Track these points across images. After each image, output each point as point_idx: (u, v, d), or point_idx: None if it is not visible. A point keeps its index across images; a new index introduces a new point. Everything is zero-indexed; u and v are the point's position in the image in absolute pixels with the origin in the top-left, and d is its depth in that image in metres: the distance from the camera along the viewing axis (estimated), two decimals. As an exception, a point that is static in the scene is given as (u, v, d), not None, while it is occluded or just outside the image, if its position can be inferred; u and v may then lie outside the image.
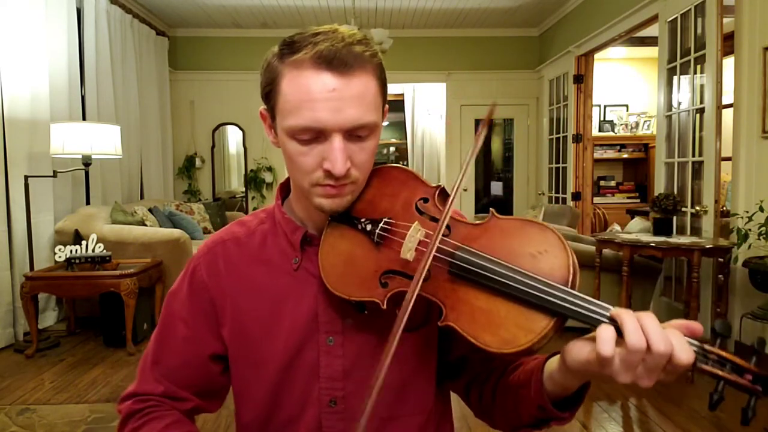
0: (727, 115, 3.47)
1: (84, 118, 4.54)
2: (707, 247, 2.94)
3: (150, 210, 4.72)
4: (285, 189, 0.89)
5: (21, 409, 2.66)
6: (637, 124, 7.13)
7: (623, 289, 3.19)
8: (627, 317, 0.58)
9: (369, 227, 0.77)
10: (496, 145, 7.64)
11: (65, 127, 3.61)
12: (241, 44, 6.49)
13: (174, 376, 0.86)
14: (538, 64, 6.53)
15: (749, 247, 2.97)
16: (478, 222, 0.74)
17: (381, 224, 0.77)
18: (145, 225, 4.34)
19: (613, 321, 0.59)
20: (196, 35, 6.53)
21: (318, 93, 0.70)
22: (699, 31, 3.57)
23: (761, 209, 2.86)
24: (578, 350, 0.63)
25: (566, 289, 0.63)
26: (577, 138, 5.52)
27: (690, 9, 3.61)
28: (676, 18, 3.78)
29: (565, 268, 0.65)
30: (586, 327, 0.61)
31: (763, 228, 2.85)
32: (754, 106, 3.19)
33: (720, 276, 3.19)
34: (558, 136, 5.95)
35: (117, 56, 5.06)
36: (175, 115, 6.49)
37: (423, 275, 0.67)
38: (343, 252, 0.78)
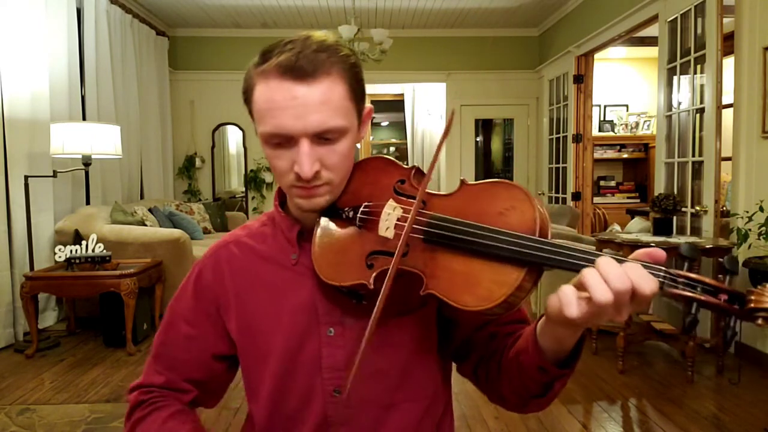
0: (727, 115, 3.47)
1: (84, 118, 4.54)
2: (707, 247, 2.93)
3: (150, 210, 4.72)
4: (282, 192, 0.94)
5: (21, 409, 2.66)
6: (637, 124, 7.13)
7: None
8: (588, 275, 0.58)
9: (351, 214, 0.81)
10: (496, 145, 7.65)
11: (65, 127, 3.61)
12: (241, 44, 6.49)
13: (175, 369, 0.90)
14: (538, 64, 6.53)
15: (749, 247, 2.97)
16: (450, 193, 0.77)
17: (361, 208, 0.81)
18: (145, 225, 4.34)
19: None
20: (196, 35, 6.53)
21: (281, 101, 0.74)
22: (699, 31, 3.57)
23: (761, 209, 2.86)
24: (552, 305, 0.64)
25: (533, 237, 0.65)
26: (577, 138, 5.52)
27: (690, 9, 3.61)
28: (676, 18, 3.78)
29: (531, 221, 0.67)
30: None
31: (763, 228, 2.85)
32: (754, 106, 3.20)
33: (720, 276, 3.18)
34: (558, 136, 5.95)
35: (117, 56, 5.06)
36: (175, 115, 6.49)
37: (402, 249, 0.70)
38: (333, 242, 0.82)
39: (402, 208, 0.78)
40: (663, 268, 0.59)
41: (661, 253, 0.60)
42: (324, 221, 0.84)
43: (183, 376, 0.90)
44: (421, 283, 0.71)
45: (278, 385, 0.85)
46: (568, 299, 0.60)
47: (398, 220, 0.77)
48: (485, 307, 0.65)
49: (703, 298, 0.57)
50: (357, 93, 0.80)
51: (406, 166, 0.83)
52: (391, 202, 0.79)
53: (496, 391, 0.86)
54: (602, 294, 0.57)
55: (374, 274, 0.75)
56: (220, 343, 0.90)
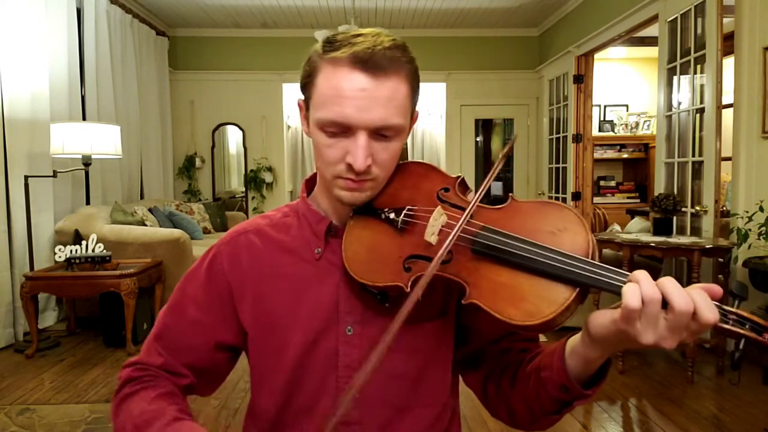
0: (727, 115, 3.47)
1: (84, 118, 4.54)
2: (707, 247, 2.93)
3: (150, 210, 4.72)
4: (310, 184, 0.93)
5: (21, 409, 2.66)
6: (637, 124, 7.13)
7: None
8: (642, 275, 0.61)
9: (392, 215, 0.81)
10: (496, 144, 7.64)
11: (65, 127, 3.61)
12: (241, 44, 6.49)
13: (176, 353, 0.88)
14: (538, 64, 6.53)
15: (749, 247, 2.97)
16: (498, 207, 0.77)
17: (404, 211, 0.81)
18: (145, 225, 4.34)
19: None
20: (196, 35, 6.53)
21: (349, 91, 0.74)
22: (699, 31, 3.57)
23: (761, 209, 2.86)
24: (601, 315, 0.65)
25: (586, 259, 0.65)
26: (577, 138, 5.51)
27: (690, 9, 3.61)
28: (676, 18, 3.78)
29: (585, 243, 0.68)
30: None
31: (763, 228, 2.85)
32: (754, 106, 3.20)
33: (720, 276, 3.19)
34: (558, 136, 5.95)
35: (117, 56, 5.06)
36: (175, 115, 6.49)
37: (443, 255, 0.70)
38: (367, 241, 0.81)
39: (448, 215, 0.77)
40: (718, 304, 0.60)
41: (719, 290, 0.61)
42: (359, 218, 0.83)
43: (182, 361, 0.87)
44: (462, 292, 0.70)
45: (291, 378, 0.85)
46: (632, 289, 0.60)
47: (443, 227, 0.76)
48: (530, 323, 0.64)
49: (750, 335, 0.60)
50: (415, 96, 0.81)
51: (451, 175, 0.84)
52: (439, 209, 0.78)
53: (505, 405, 0.85)
54: (653, 292, 0.59)
55: (413, 278, 0.74)
56: (227, 332, 0.88)
